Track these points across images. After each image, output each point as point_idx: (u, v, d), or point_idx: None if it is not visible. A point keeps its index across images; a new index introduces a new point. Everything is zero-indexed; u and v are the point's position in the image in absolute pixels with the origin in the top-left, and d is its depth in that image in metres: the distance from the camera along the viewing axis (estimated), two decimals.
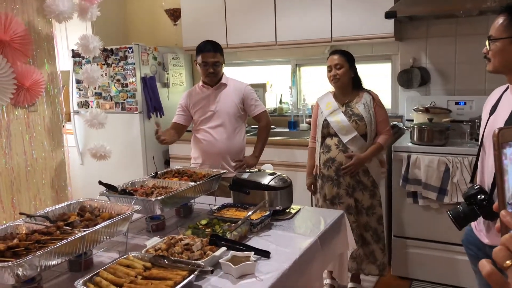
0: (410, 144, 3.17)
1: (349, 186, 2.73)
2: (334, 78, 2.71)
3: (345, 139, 2.69)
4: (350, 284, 2.93)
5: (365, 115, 2.68)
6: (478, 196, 1.53)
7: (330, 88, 2.88)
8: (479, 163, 1.68)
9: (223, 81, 2.86)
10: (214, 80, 2.82)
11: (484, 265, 0.52)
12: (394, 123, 3.60)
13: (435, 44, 3.55)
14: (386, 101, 3.83)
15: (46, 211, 1.66)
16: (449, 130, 3.14)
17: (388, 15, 3.10)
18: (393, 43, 3.64)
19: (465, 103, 3.41)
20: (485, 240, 1.62)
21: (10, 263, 1.20)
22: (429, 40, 3.57)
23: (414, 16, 3.32)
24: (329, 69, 2.73)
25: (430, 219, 3.06)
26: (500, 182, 0.58)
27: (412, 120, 3.50)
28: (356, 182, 2.73)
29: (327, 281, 2.98)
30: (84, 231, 1.44)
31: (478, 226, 1.67)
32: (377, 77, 3.90)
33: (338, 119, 2.71)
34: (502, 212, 0.57)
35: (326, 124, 2.75)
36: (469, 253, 1.77)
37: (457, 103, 3.44)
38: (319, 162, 2.81)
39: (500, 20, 1.58)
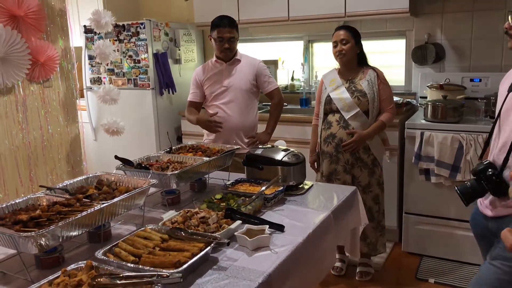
0: (423, 121, 3.14)
1: (347, 162, 2.73)
2: (339, 53, 2.68)
3: (347, 115, 2.68)
4: (360, 260, 2.97)
5: (368, 91, 2.66)
6: (488, 171, 1.51)
7: (336, 65, 2.85)
8: (492, 140, 1.66)
9: (237, 57, 2.85)
10: (229, 55, 2.81)
11: (507, 236, 0.53)
12: (408, 100, 3.57)
13: (451, 20, 3.48)
14: (400, 78, 3.80)
15: (65, 184, 1.70)
16: (464, 107, 3.11)
17: None
18: (407, 19, 3.57)
19: (480, 80, 3.37)
20: (489, 213, 1.61)
21: (33, 233, 1.24)
22: (444, 16, 3.50)
23: None
24: (335, 44, 2.70)
25: (442, 196, 3.07)
26: None
27: (426, 97, 3.47)
28: (355, 159, 2.72)
29: (336, 255, 3.02)
30: (103, 203, 1.47)
31: (483, 202, 1.67)
32: (391, 53, 3.85)
33: (341, 95, 2.69)
34: None
35: (328, 100, 2.75)
36: (475, 233, 1.77)
37: (472, 80, 3.39)
38: (320, 139, 2.81)
39: None
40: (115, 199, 1.51)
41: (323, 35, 4.02)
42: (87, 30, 4.16)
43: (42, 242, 1.27)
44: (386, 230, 2.98)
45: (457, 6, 3.43)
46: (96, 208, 1.43)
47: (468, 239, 3.00)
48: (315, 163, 2.91)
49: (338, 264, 3.02)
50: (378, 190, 2.80)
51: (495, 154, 1.58)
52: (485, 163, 1.54)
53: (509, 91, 1.60)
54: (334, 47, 2.71)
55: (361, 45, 2.74)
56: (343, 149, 2.70)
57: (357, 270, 2.96)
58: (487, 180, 1.51)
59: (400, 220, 3.30)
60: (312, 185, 2.16)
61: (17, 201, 1.53)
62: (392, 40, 3.84)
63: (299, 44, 4.21)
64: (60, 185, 1.69)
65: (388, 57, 3.84)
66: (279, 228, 1.64)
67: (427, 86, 3.45)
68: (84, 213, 1.38)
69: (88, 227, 1.45)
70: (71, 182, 1.73)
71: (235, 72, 2.83)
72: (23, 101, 2.64)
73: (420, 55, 3.56)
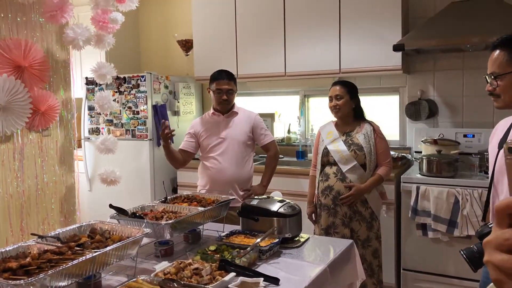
0: (419, 175, 3.16)
1: (345, 216, 2.72)
2: (334, 108, 2.77)
3: (344, 168, 2.70)
4: None
5: (365, 145, 2.70)
6: None
7: (333, 117, 2.92)
8: (490, 201, 1.64)
9: (234, 109, 2.91)
10: (226, 107, 2.87)
11: None
12: (403, 154, 3.61)
13: (443, 77, 3.60)
14: (394, 133, 3.86)
15: (57, 232, 1.67)
16: (458, 162, 3.14)
17: (396, 48, 3.17)
18: (400, 76, 3.69)
19: (473, 136, 3.42)
20: None
21: (22, 281, 1.21)
22: (436, 73, 3.63)
23: (422, 49, 3.39)
24: (330, 99, 2.79)
25: (441, 253, 3.02)
26: None
27: (421, 152, 3.51)
28: (353, 212, 2.71)
29: None
30: (95, 252, 1.44)
31: None
32: (385, 109, 3.93)
33: (338, 148, 2.74)
34: None
35: (326, 152, 2.78)
36: None
37: (465, 136, 3.45)
38: (318, 190, 2.82)
39: (499, 55, 1.58)
40: (108, 248, 1.48)
41: (319, 90, 4.13)
42: (89, 82, 4.26)
43: None
44: (385, 287, 2.90)
45: (448, 65, 3.57)
46: (88, 256, 1.40)
47: None
48: (313, 215, 2.89)
49: None
50: (377, 244, 2.76)
51: None
52: (490, 225, 1.50)
53: (499, 148, 1.61)
54: (330, 101, 2.79)
55: (357, 100, 2.81)
56: (341, 202, 2.69)
57: None
58: None
59: (399, 277, 3.23)
60: (308, 238, 2.13)
61: (7, 249, 1.50)
62: (386, 96, 3.94)
63: (296, 99, 4.31)
64: (52, 233, 1.66)
65: (382, 112, 3.92)
66: (274, 281, 1.60)
67: (422, 141, 3.50)
68: (75, 261, 1.35)
69: (79, 277, 1.41)
70: (64, 230, 1.70)
71: (232, 124, 2.88)
72: (20, 149, 2.65)
73: (414, 110, 3.64)
